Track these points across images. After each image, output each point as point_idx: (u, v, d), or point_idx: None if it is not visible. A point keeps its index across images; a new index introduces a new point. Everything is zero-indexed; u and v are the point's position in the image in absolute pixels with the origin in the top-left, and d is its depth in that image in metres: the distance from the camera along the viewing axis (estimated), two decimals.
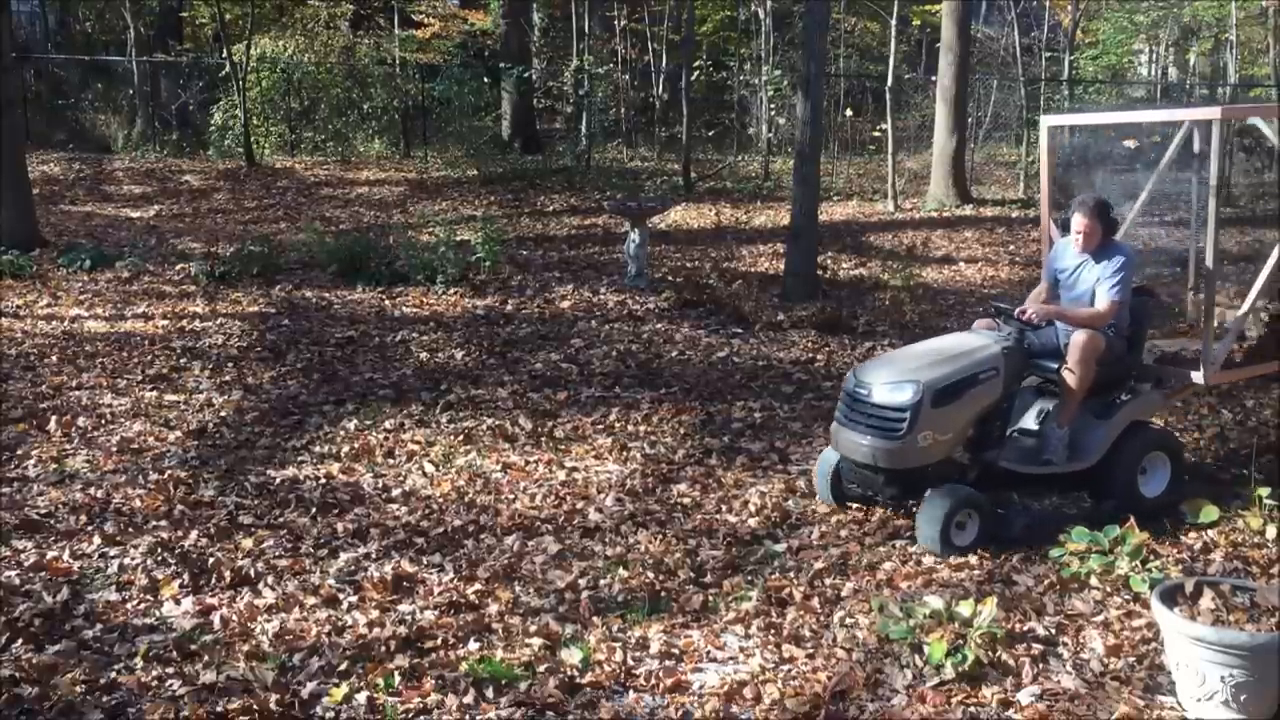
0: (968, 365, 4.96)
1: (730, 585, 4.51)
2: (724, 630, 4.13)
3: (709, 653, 3.96)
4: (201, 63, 20.10)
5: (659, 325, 8.99)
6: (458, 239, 10.79)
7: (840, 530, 5.15)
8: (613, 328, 8.88)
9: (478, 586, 4.42)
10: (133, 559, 4.58)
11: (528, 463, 6.00)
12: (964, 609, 3.96)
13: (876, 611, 4.14)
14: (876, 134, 18.93)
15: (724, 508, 5.42)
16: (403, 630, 3.99)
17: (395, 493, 5.50)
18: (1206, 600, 3.62)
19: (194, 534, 4.85)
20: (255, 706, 3.43)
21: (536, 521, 5.18)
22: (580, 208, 14.81)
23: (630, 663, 3.83)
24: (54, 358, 7.51)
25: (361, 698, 3.55)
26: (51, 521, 4.97)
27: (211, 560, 4.57)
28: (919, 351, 5.30)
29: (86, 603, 4.19)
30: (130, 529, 4.91)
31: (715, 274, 10.73)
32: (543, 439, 6.37)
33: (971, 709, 3.56)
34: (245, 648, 3.84)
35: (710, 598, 4.39)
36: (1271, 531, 4.87)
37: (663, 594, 4.41)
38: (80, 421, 6.35)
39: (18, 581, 4.32)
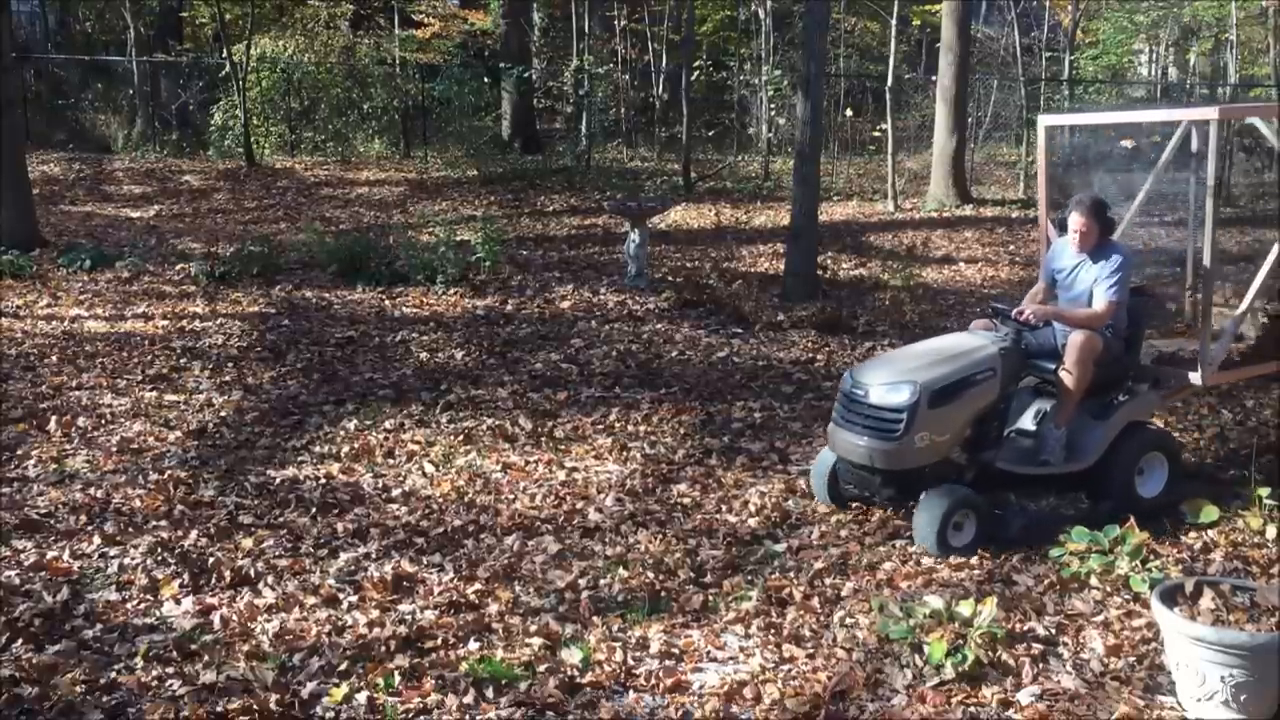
0: (965, 366, 4.96)
1: (730, 585, 4.51)
2: (724, 630, 4.13)
3: (709, 653, 3.96)
4: (201, 63, 20.11)
5: (659, 325, 8.99)
6: (458, 239, 10.79)
7: (840, 530, 5.15)
8: (613, 328, 8.88)
9: (478, 586, 4.42)
10: (133, 559, 4.58)
11: (528, 463, 6.00)
12: (964, 609, 3.96)
13: (876, 611, 4.14)
14: (876, 134, 18.93)
15: (724, 508, 5.43)
16: (403, 630, 3.99)
17: (395, 493, 5.50)
18: (1206, 600, 3.62)
19: (194, 534, 4.85)
20: (255, 706, 3.43)
21: (536, 521, 5.18)
22: (580, 208, 14.81)
23: (630, 663, 3.83)
24: (54, 358, 7.51)
25: (361, 698, 3.55)
26: (51, 521, 4.97)
27: (211, 560, 4.57)
28: (916, 352, 5.30)
29: (86, 603, 4.19)
30: (130, 529, 4.91)
31: (715, 274, 10.73)
32: (543, 439, 6.38)
33: (971, 709, 3.56)
34: (245, 648, 3.84)
35: (710, 598, 4.39)
36: (1271, 531, 4.88)
37: (663, 594, 4.41)
38: (80, 421, 6.35)
39: (18, 581, 4.32)
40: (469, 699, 3.55)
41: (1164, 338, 6.12)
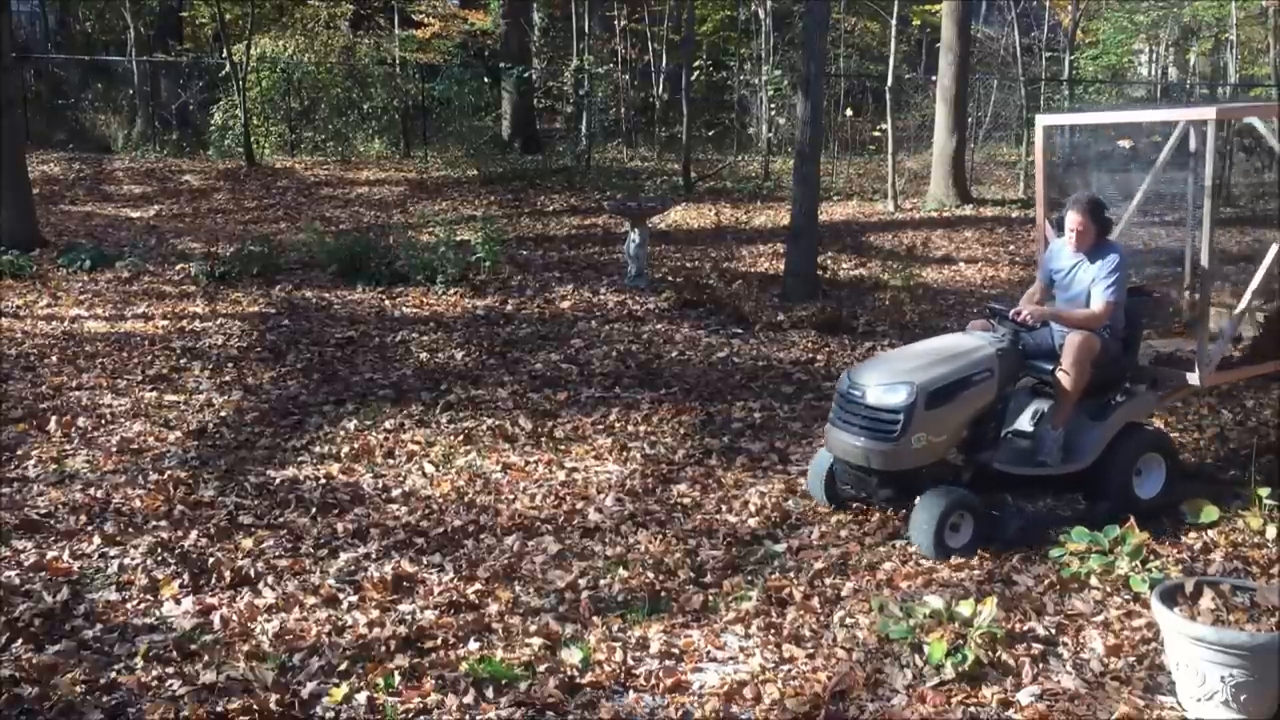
0: (962, 367, 4.95)
1: (730, 585, 4.51)
2: (724, 630, 4.13)
3: (709, 653, 3.96)
4: (201, 63, 20.11)
5: (659, 325, 8.99)
6: (458, 239, 10.79)
7: (840, 530, 5.15)
8: (613, 328, 8.88)
9: (478, 586, 4.42)
10: (133, 559, 4.58)
11: (528, 463, 6.00)
12: (964, 609, 3.96)
13: (876, 611, 4.14)
14: (876, 134, 18.93)
15: (724, 508, 5.42)
16: (403, 630, 3.99)
17: (395, 493, 5.50)
18: (1206, 600, 3.62)
19: (194, 534, 4.85)
20: (255, 706, 3.43)
21: (536, 521, 5.18)
22: (580, 208, 14.81)
23: (630, 663, 3.83)
24: (54, 358, 7.51)
25: (361, 698, 3.55)
26: (51, 521, 4.97)
27: (211, 560, 4.57)
28: (913, 353, 5.29)
29: (86, 603, 4.19)
30: (130, 529, 4.91)
31: (715, 274, 10.73)
32: (543, 439, 6.38)
33: (971, 709, 3.56)
34: (245, 648, 3.84)
35: (710, 598, 4.39)
36: (1271, 531, 4.88)
37: (663, 594, 4.41)
38: (80, 421, 6.35)
39: (18, 581, 4.32)
40: (469, 699, 3.55)
41: (1162, 338, 6.12)
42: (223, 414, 6.63)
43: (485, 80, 18.55)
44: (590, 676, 3.72)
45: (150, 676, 3.65)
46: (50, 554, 4.61)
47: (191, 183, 15.61)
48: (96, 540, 4.75)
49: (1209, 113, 5.40)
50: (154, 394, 6.92)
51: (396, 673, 3.68)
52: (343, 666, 3.75)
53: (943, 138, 15.66)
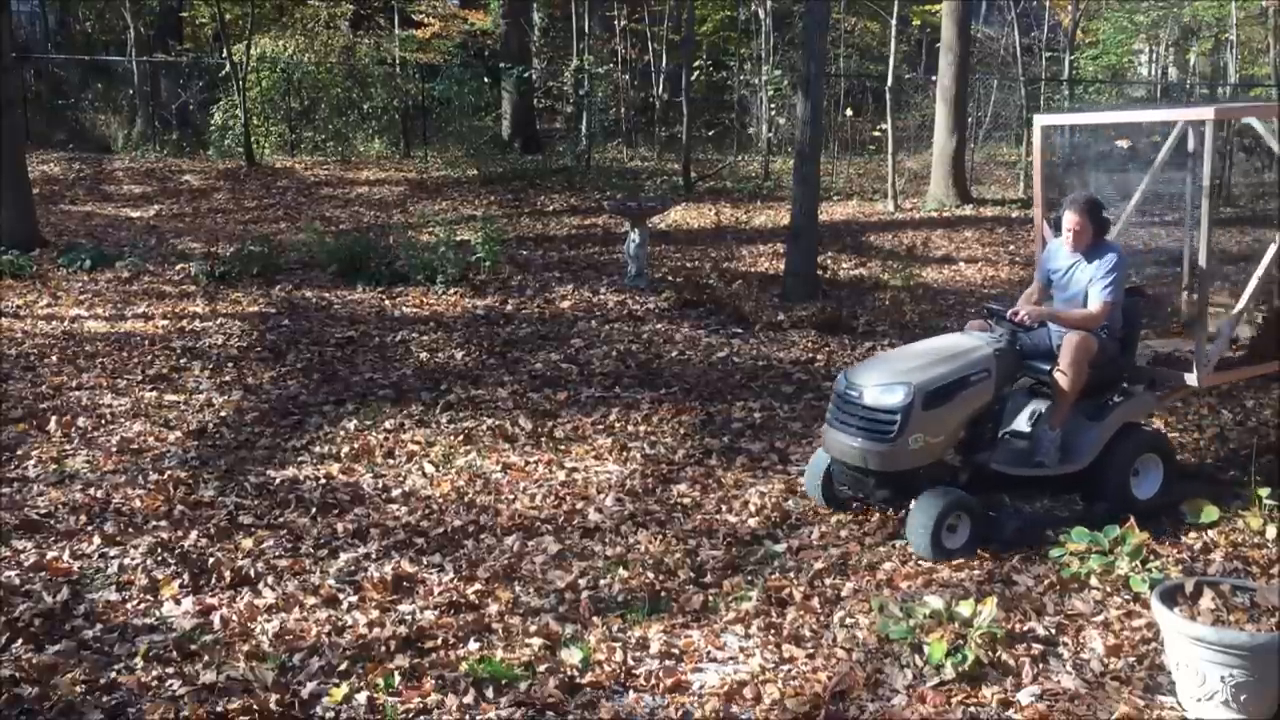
0: (959, 367, 4.94)
1: (730, 585, 4.51)
2: (724, 630, 4.13)
3: (709, 653, 3.96)
4: (201, 63, 20.11)
5: (659, 325, 8.99)
6: (458, 239, 10.80)
7: (840, 530, 5.15)
8: (613, 328, 8.88)
9: (478, 586, 4.42)
10: (133, 559, 4.58)
11: (528, 463, 6.00)
12: (964, 609, 3.96)
13: (876, 611, 4.14)
14: (876, 134, 18.94)
15: (724, 508, 5.42)
16: (403, 630, 3.99)
17: (395, 493, 5.50)
18: (1206, 600, 3.62)
19: (194, 534, 4.85)
20: (255, 706, 3.43)
21: (536, 521, 5.18)
22: (580, 208, 14.81)
23: (630, 663, 3.83)
24: (54, 358, 7.51)
25: (361, 698, 3.55)
26: (51, 521, 4.97)
27: (211, 560, 4.57)
28: (910, 353, 5.28)
29: (86, 603, 4.19)
30: (130, 529, 4.91)
31: (715, 274, 10.73)
32: (543, 439, 6.37)
33: (971, 709, 3.56)
34: (245, 648, 3.84)
35: (710, 598, 4.39)
36: (1271, 531, 4.87)
37: (663, 594, 4.41)
38: (80, 421, 6.35)
39: (18, 581, 4.32)
40: (469, 699, 3.55)
41: (1160, 338, 6.12)
42: (223, 414, 6.63)
43: (485, 80, 18.55)
44: (590, 676, 3.73)
45: (150, 676, 3.65)
46: (50, 554, 4.61)
47: (191, 183, 15.61)
48: (96, 540, 4.75)
49: (1207, 113, 5.39)
50: (154, 394, 6.92)
51: (396, 673, 3.68)
52: (343, 666, 3.75)
53: (943, 138, 15.67)
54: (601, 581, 4.51)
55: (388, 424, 6.54)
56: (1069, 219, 5.27)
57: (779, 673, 3.77)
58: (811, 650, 3.95)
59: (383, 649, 3.86)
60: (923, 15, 22.07)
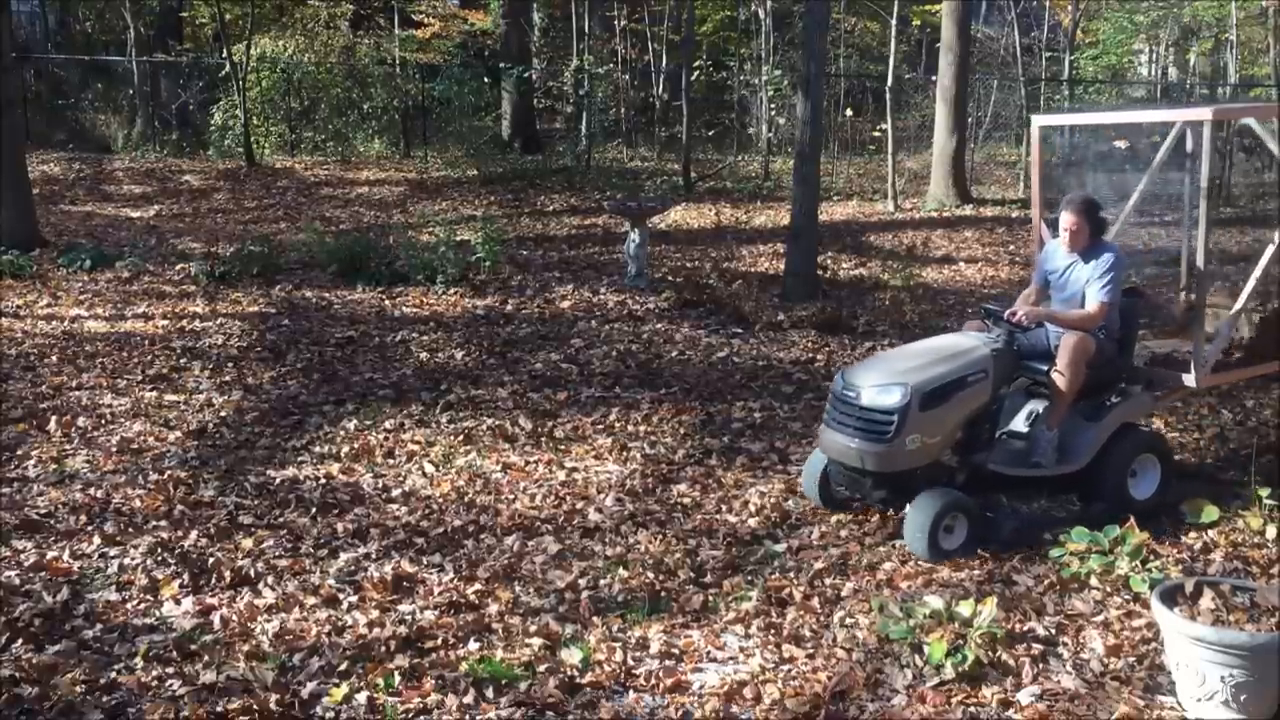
0: (956, 367, 4.93)
1: (730, 585, 4.51)
2: (724, 630, 4.13)
3: (709, 653, 3.96)
4: (201, 63, 20.11)
5: (659, 325, 8.99)
6: (458, 239, 10.80)
7: (840, 530, 5.15)
8: (613, 328, 8.88)
9: (478, 586, 4.42)
10: (133, 559, 4.58)
11: (528, 463, 6.00)
12: (964, 609, 3.96)
13: (876, 611, 4.14)
14: (876, 134, 18.94)
15: (724, 508, 5.42)
16: (403, 630, 3.99)
17: (395, 493, 5.50)
18: (1206, 600, 3.62)
19: (194, 534, 4.85)
20: (255, 706, 3.43)
21: (536, 521, 5.18)
22: (580, 208, 14.81)
23: (630, 663, 3.84)
24: (54, 358, 7.51)
25: (361, 698, 3.55)
26: (51, 521, 4.97)
27: (211, 560, 4.57)
28: (907, 353, 5.27)
29: (86, 603, 4.19)
30: (130, 529, 4.91)
31: (715, 274, 10.73)
32: (543, 439, 6.38)
33: (971, 709, 3.56)
34: (245, 648, 3.84)
35: (710, 598, 4.39)
36: (1271, 531, 4.87)
37: (663, 594, 4.41)
38: (80, 421, 6.35)
39: (18, 581, 4.32)
40: (469, 699, 3.55)
41: (1158, 339, 6.11)
42: (223, 414, 6.63)
43: (485, 80, 18.56)
44: (590, 676, 3.73)
45: (150, 676, 3.65)
46: (50, 554, 4.61)
47: (191, 183, 15.61)
48: (96, 540, 4.75)
49: (1205, 113, 5.39)
50: (154, 394, 6.92)
51: (396, 673, 3.68)
52: (343, 666, 3.75)
53: (943, 138, 15.67)
54: (601, 581, 4.51)
55: (388, 424, 6.54)
56: (1066, 219, 5.26)
57: (779, 673, 3.78)
58: (811, 650, 3.95)
59: (383, 649, 3.86)
60: (923, 15, 22.07)
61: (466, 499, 5.44)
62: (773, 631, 4.10)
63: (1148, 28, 23.09)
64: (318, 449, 6.12)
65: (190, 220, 13.28)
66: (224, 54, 17.59)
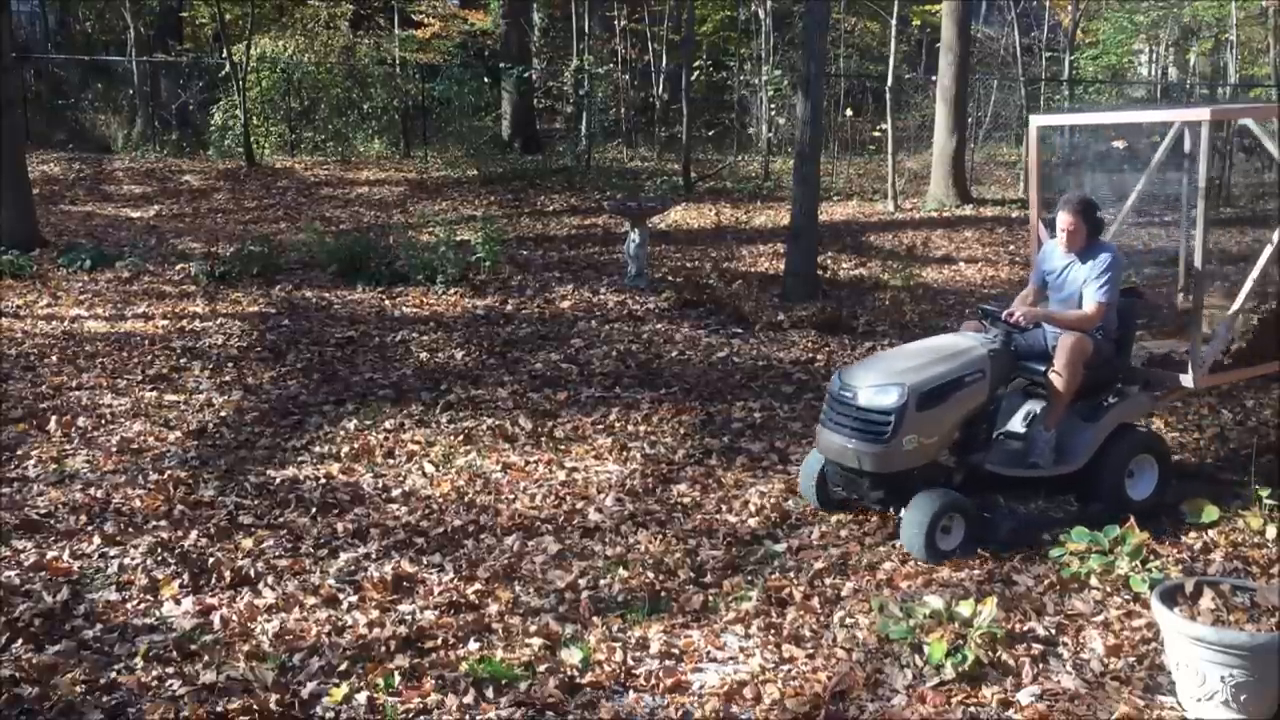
0: (954, 368, 4.92)
1: (730, 585, 4.51)
2: (724, 630, 4.13)
3: (709, 653, 3.96)
4: (201, 63, 20.11)
5: (659, 325, 8.99)
6: (458, 239, 10.80)
7: (840, 530, 5.15)
8: (613, 328, 8.88)
9: (478, 586, 4.42)
10: (133, 559, 4.58)
11: (528, 463, 6.00)
12: (964, 609, 3.96)
13: (876, 611, 4.14)
14: (876, 134, 18.94)
15: (724, 508, 5.42)
16: (403, 630, 3.99)
17: (395, 493, 5.50)
18: (1206, 600, 3.62)
19: (194, 534, 4.85)
20: (255, 706, 3.43)
21: (536, 521, 5.18)
22: (580, 208, 14.81)
23: (630, 663, 3.84)
24: (54, 358, 7.51)
25: (361, 698, 3.55)
26: (51, 521, 4.97)
27: (211, 560, 4.57)
28: (904, 354, 5.26)
29: (86, 603, 4.19)
30: (130, 529, 4.91)
31: (715, 274, 10.73)
32: (543, 439, 6.38)
33: (971, 709, 3.56)
34: (245, 648, 3.84)
35: (710, 598, 4.39)
36: (1271, 531, 4.88)
37: (663, 594, 4.41)
38: (80, 421, 6.35)
39: (18, 581, 4.32)
40: (469, 699, 3.55)
41: (1156, 339, 6.11)
42: (223, 414, 6.63)
43: (485, 80, 18.56)
44: (590, 676, 3.73)
45: (150, 676, 3.65)
46: (50, 554, 4.61)
47: (191, 183, 15.61)
48: (96, 540, 4.75)
49: (1203, 114, 5.39)
50: (154, 394, 6.92)
51: (396, 673, 3.68)
52: (343, 666, 3.75)
53: (943, 138, 15.66)
54: (601, 581, 4.51)
55: (388, 424, 6.54)
56: (1062, 219, 5.26)
57: (779, 673, 3.78)
58: (811, 650, 3.95)
59: (383, 649, 3.86)
60: (923, 15, 22.07)
61: (466, 499, 5.44)
62: (773, 631, 4.10)
63: (1148, 28, 23.09)
64: (318, 449, 6.12)
65: (190, 220, 13.28)
66: (224, 54, 17.59)
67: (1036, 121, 6.37)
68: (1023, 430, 5.38)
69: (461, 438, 6.34)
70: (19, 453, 5.84)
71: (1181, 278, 6.48)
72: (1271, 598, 3.62)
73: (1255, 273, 5.59)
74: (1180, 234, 6.56)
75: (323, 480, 5.63)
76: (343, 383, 7.30)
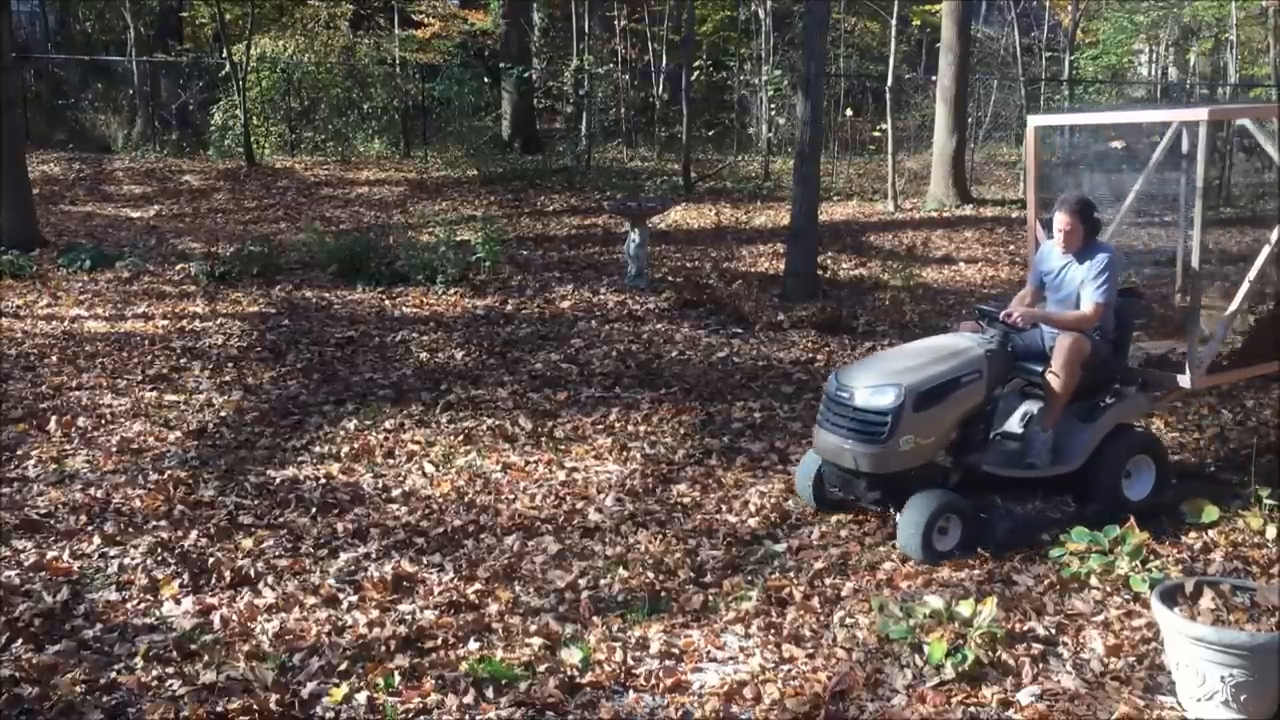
0: (951, 368, 4.92)
1: (730, 585, 4.51)
2: (724, 630, 4.13)
3: (709, 653, 3.96)
4: (201, 63, 20.12)
5: (659, 325, 8.99)
6: (458, 239, 10.80)
7: (840, 530, 5.15)
8: (613, 328, 8.88)
9: (478, 586, 4.42)
10: (133, 559, 4.58)
11: (528, 463, 6.00)
12: (964, 609, 3.96)
13: (876, 611, 4.14)
14: (876, 134, 18.94)
15: (724, 508, 5.42)
16: (403, 630, 3.99)
17: (395, 493, 5.50)
18: (1206, 600, 3.62)
19: (194, 534, 4.85)
20: (255, 706, 3.43)
21: (536, 521, 5.18)
22: (580, 208, 14.81)
23: (630, 663, 3.84)
24: (54, 358, 7.51)
25: (361, 698, 3.55)
26: (51, 521, 4.97)
27: (211, 560, 4.57)
28: (901, 354, 5.26)
29: (86, 603, 4.19)
30: (130, 529, 4.91)
31: (715, 274, 10.73)
32: (543, 439, 6.38)
33: (971, 709, 3.56)
34: (245, 648, 3.84)
35: (710, 598, 4.39)
36: (1271, 531, 4.88)
37: (663, 594, 4.42)
38: (80, 421, 6.35)
39: (18, 581, 4.32)
40: (469, 699, 3.55)
41: (1154, 339, 6.11)
42: (223, 414, 6.63)
43: (485, 80, 18.56)
44: (590, 676, 3.73)
45: (150, 676, 3.65)
46: (50, 554, 4.61)
47: (191, 183, 15.61)
48: (96, 540, 4.75)
49: (1201, 114, 5.39)
50: (154, 394, 6.92)
51: (396, 673, 3.68)
52: (343, 666, 3.75)
53: (943, 138, 15.66)
54: (601, 581, 4.52)
55: (388, 424, 6.54)
56: (1059, 220, 5.25)
57: (779, 673, 3.78)
58: (811, 650, 3.95)
59: (383, 649, 3.86)
60: (923, 15, 22.07)
61: (466, 499, 5.44)
62: (773, 631, 4.10)
63: (1148, 28, 23.10)
64: (318, 449, 6.12)
65: (190, 220, 13.28)
66: (224, 54, 17.58)
67: (1034, 121, 6.37)
68: (1020, 431, 5.37)
69: (461, 438, 6.34)
70: (19, 453, 5.84)
71: (1179, 278, 6.47)
72: (1271, 598, 3.62)
73: (1253, 273, 5.59)
74: (1179, 234, 6.55)
75: (323, 480, 5.63)
76: (343, 383, 7.30)
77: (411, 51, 20.80)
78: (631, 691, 3.66)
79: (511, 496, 5.49)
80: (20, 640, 3.86)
